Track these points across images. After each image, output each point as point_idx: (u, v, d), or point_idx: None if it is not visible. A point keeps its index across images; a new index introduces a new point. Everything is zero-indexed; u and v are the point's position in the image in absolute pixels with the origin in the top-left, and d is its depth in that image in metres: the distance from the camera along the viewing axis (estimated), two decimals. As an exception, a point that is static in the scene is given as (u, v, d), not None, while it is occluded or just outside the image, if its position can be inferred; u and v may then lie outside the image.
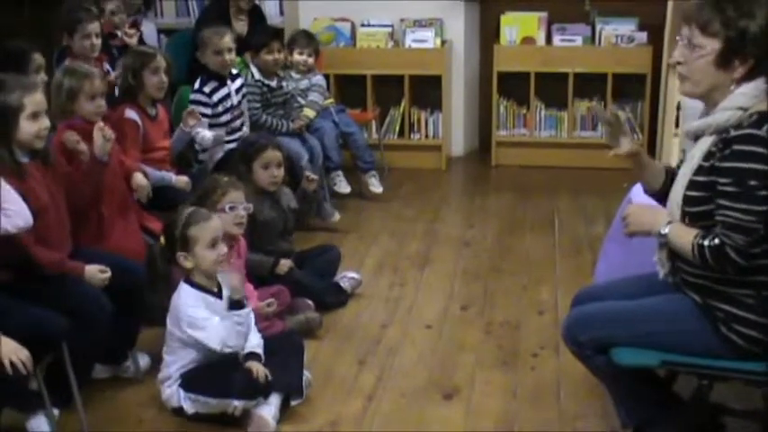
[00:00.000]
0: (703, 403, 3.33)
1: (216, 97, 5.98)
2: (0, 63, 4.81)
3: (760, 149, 3.01)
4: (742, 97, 3.09)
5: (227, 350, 3.96)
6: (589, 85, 7.66)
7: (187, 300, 4.01)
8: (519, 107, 7.89)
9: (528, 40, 7.72)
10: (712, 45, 3.09)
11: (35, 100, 3.88)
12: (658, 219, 3.26)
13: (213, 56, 5.97)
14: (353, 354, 4.68)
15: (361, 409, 4.17)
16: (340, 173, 6.82)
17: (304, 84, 6.86)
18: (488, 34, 8.09)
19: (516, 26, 7.71)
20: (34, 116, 3.87)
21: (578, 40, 7.67)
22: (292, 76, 6.85)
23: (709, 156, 3.12)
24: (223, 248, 4.05)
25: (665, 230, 3.21)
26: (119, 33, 6.44)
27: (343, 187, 6.81)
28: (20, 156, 3.91)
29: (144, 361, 4.47)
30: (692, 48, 3.14)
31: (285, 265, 5.04)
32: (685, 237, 3.15)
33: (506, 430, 4.00)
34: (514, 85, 7.81)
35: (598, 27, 7.66)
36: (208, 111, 5.91)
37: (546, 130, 7.90)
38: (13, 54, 4.90)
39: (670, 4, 6.53)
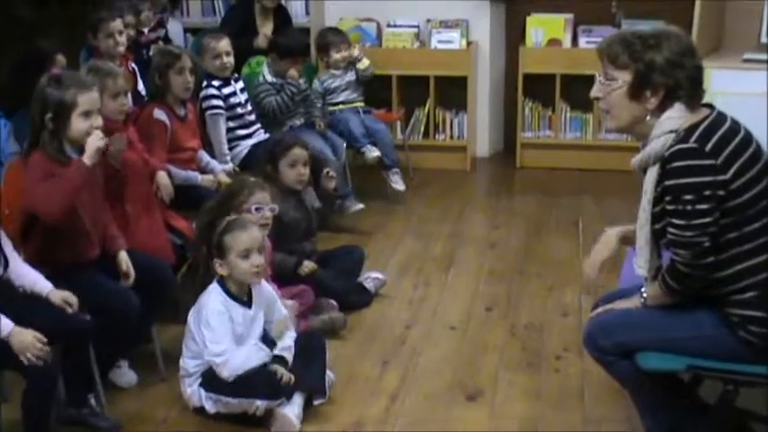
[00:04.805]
0: (729, 409, 3.32)
1: (224, 92, 6.05)
2: (23, 63, 4.87)
3: (690, 162, 3.10)
4: (669, 121, 3.19)
5: (227, 376, 3.96)
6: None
7: (215, 306, 4.01)
8: (544, 109, 7.88)
9: (554, 42, 7.70)
10: (623, 77, 3.24)
11: (88, 99, 3.95)
12: (633, 300, 3.41)
13: (211, 60, 6.04)
14: (377, 354, 4.68)
15: (384, 409, 4.17)
16: (368, 145, 6.87)
17: (349, 77, 7.03)
18: (514, 36, 8.08)
19: (542, 28, 7.70)
20: (86, 114, 3.94)
21: (605, 42, 7.63)
22: (335, 74, 7.00)
23: (658, 184, 3.20)
24: (258, 259, 4.03)
25: (644, 293, 3.36)
26: (145, 31, 6.48)
27: (373, 153, 6.83)
28: (69, 150, 3.98)
29: (131, 377, 4.42)
30: (606, 82, 3.28)
31: (307, 266, 5.03)
32: (653, 286, 3.30)
33: (530, 432, 4.00)
34: (540, 87, 7.79)
35: (624, 29, 7.62)
36: (221, 103, 6.00)
37: (571, 132, 7.88)
38: (37, 54, 4.93)
39: (697, 5, 6.49)
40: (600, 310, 3.48)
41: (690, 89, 3.20)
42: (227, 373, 3.95)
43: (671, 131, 3.17)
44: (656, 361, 3.26)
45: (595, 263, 3.52)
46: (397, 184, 7.01)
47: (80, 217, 4.03)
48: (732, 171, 3.10)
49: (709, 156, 3.09)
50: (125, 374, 4.37)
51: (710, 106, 3.27)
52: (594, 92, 3.34)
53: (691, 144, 3.11)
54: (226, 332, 3.98)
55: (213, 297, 4.03)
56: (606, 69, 3.28)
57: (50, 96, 3.92)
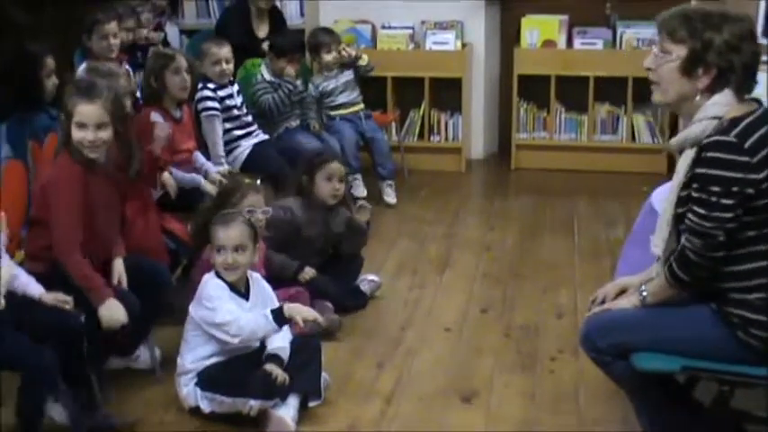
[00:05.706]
0: (724, 410, 3.32)
1: (220, 94, 6.06)
2: (13, 66, 4.86)
3: (725, 155, 3.08)
4: (714, 107, 3.17)
5: (235, 335, 3.94)
6: (609, 88, 7.64)
7: (214, 287, 4.04)
8: (539, 110, 7.89)
9: (549, 44, 7.71)
10: (678, 52, 3.22)
11: (83, 111, 3.95)
12: (631, 299, 3.40)
13: (211, 66, 6.04)
14: (372, 356, 4.67)
15: (379, 411, 4.16)
16: (358, 176, 6.85)
17: (345, 77, 7.05)
18: (509, 37, 8.09)
19: (537, 29, 7.71)
20: (79, 125, 3.95)
21: (599, 44, 7.65)
22: (329, 76, 7.00)
23: (690, 169, 3.18)
24: (228, 257, 4.04)
25: (644, 290, 3.35)
26: (143, 33, 6.49)
27: (360, 191, 6.83)
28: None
29: (157, 353, 4.47)
30: (660, 54, 3.27)
31: (308, 273, 5.00)
32: (657, 279, 3.30)
33: (525, 434, 4.00)
34: (535, 88, 7.80)
35: (619, 31, 7.65)
36: (217, 104, 6.01)
37: (566, 133, 7.89)
38: (27, 57, 4.92)
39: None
40: (597, 309, 3.47)
41: (742, 75, 3.18)
42: (234, 330, 3.94)
43: (714, 117, 3.14)
44: (651, 361, 3.25)
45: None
46: (390, 197, 7.02)
47: (94, 227, 4.04)
48: (766, 172, 3.08)
49: (746, 153, 3.07)
50: (141, 356, 4.45)
51: (758, 101, 3.25)
52: (647, 62, 3.32)
53: (730, 138, 3.08)
54: (228, 300, 4.01)
55: (211, 282, 4.06)
56: (662, 42, 3.27)
57: (65, 100, 4.03)
